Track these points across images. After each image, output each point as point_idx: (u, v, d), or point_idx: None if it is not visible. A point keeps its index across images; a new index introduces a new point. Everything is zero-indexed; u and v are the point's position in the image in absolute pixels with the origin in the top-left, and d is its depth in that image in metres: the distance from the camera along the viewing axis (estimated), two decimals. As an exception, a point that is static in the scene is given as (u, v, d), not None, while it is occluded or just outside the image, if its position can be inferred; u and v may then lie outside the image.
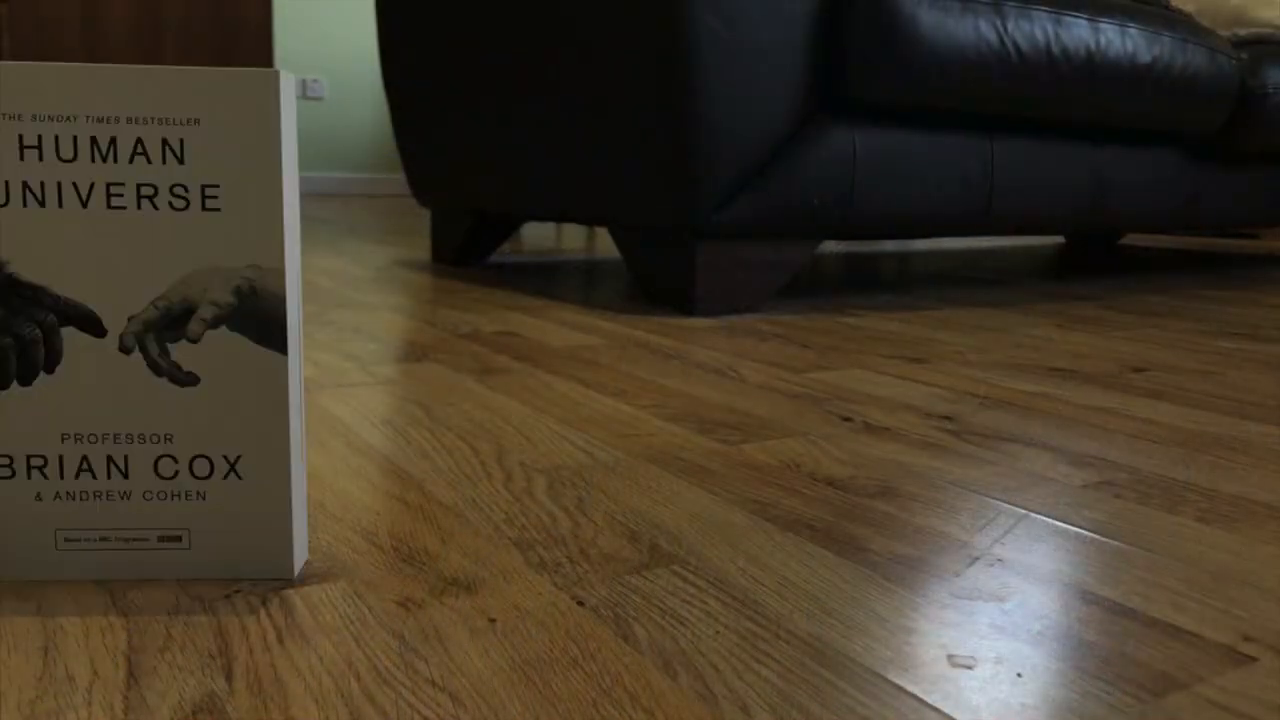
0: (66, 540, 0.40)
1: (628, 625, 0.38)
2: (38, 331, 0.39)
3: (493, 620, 0.39)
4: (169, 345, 0.40)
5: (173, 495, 0.40)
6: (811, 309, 1.32)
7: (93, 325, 0.39)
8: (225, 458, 0.40)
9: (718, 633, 0.38)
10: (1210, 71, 1.59)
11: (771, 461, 0.61)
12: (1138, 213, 1.65)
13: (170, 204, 0.39)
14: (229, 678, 0.34)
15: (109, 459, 0.40)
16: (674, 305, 1.26)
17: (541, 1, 1.34)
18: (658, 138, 1.18)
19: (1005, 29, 1.31)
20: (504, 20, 1.43)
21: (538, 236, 2.60)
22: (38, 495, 0.40)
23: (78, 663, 0.35)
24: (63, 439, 0.40)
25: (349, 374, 0.82)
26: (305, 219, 2.80)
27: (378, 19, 1.75)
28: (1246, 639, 0.39)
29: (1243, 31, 1.88)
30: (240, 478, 0.40)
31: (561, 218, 1.43)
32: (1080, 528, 0.51)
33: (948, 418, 0.73)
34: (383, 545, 0.46)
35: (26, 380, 0.39)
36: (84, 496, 0.40)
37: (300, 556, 0.42)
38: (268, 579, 0.42)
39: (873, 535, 0.49)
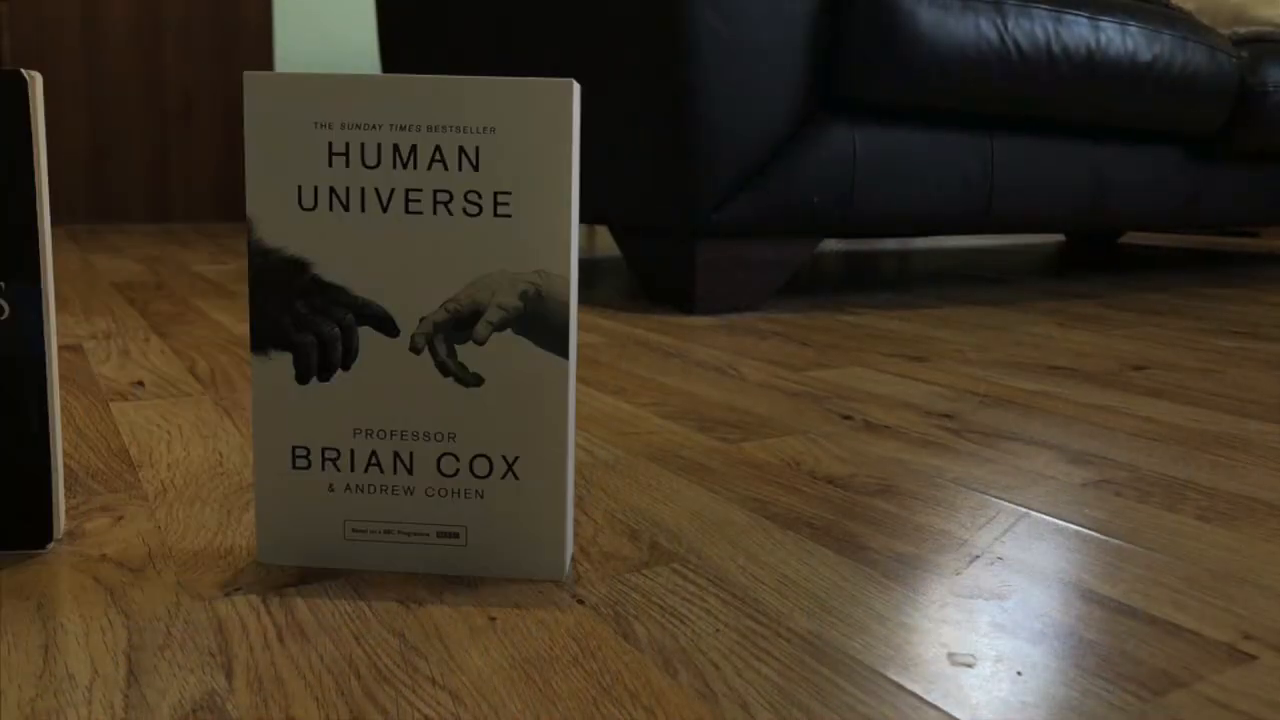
0: (354, 531, 0.42)
1: (628, 623, 0.38)
2: (337, 330, 0.41)
3: (493, 618, 0.39)
4: (456, 346, 0.41)
5: (453, 493, 0.41)
6: (812, 307, 1.32)
7: (387, 325, 0.40)
8: (504, 458, 0.41)
9: (718, 631, 0.38)
10: (1210, 70, 1.59)
11: (771, 459, 0.61)
12: (1138, 211, 1.65)
13: (464, 210, 0.40)
14: (229, 676, 0.34)
15: (395, 455, 0.41)
16: (674, 304, 1.26)
17: (541, 2, 1.34)
18: (658, 137, 1.18)
19: (1005, 27, 1.31)
20: (504, 20, 1.43)
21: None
22: (330, 486, 0.42)
23: (78, 661, 0.35)
24: (354, 433, 0.41)
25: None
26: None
27: (378, 18, 1.75)
28: (1247, 637, 0.39)
29: (1243, 30, 1.88)
30: (517, 478, 0.41)
31: (561, 217, 1.43)
32: (1080, 526, 0.51)
33: (948, 416, 0.73)
34: (383, 544, 0.46)
35: (325, 376, 0.41)
36: (371, 490, 0.41)
37: (568, 557, 0.43)
38: (534, 579, 0.42)
39: (873, 533, 0.49)
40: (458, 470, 0.41)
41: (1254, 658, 0.37)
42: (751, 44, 1.15)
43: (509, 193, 0.40)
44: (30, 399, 0.43)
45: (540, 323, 0.41)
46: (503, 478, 0.41)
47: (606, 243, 2.42)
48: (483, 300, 0.41)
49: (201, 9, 2.68)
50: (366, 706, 0.32)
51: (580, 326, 1.11)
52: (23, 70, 0.41)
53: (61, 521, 0.45)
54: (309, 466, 0.41)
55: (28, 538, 0.44)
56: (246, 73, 0.39)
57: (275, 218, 0.40)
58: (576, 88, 0.40)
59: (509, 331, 0.41)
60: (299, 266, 0.40)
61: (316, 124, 0.39)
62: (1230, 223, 1.87)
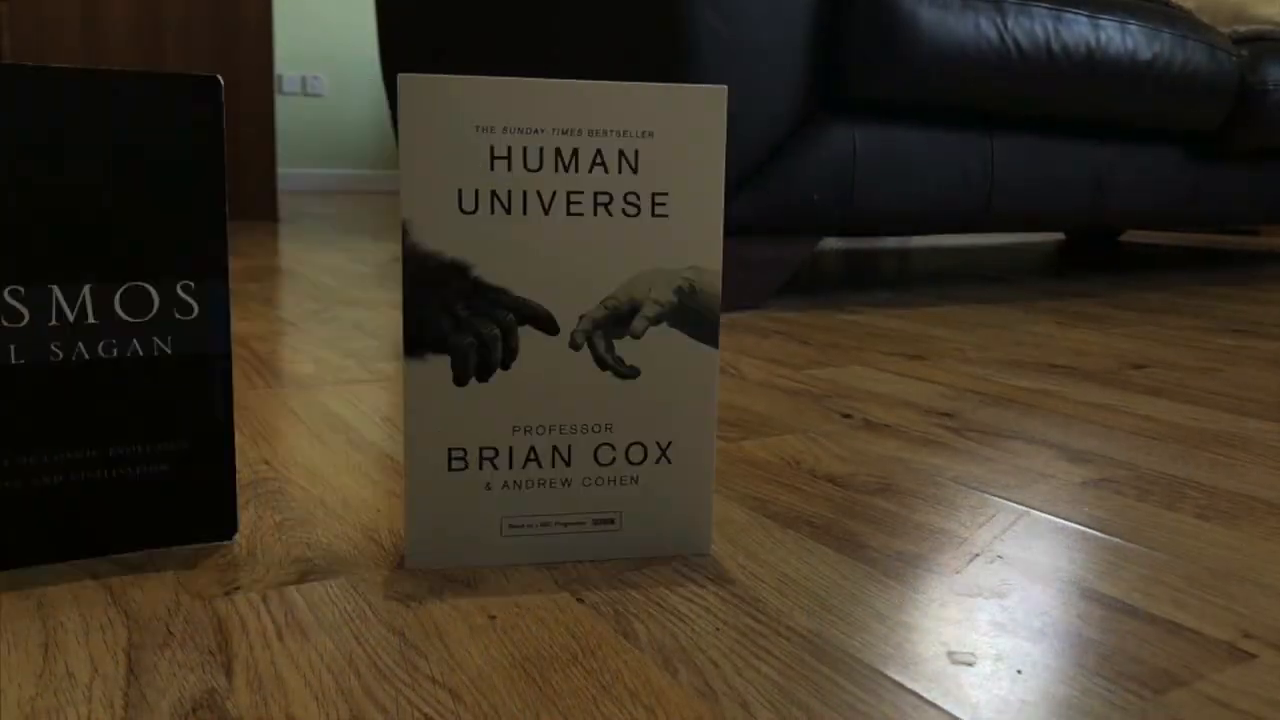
0: (511, 527, 0.42)
1: (628, 622, 0.38)
2: (497, 331, 0.41)
3: (493, 617, 0.39)
4: (614, 341, 0.42)
5: (609, 481, 0.42)
6: (812, 306, 1.32)
7: (548, 324, 0.42)
8: (658, 444, 0.42)
9: (718, 629, 0.38)
10: (1210, 68, 1.59)
11: (772, 458, 0.61)
12: (1137, 210, 1.65)
13: (623, 211, 0.41)
14: (229, 674, 0.34)
15: (554, 449, 0.42)
16: (674, 303, 1.26)
17: (542, 2, 1.34)
18: (657, 135, 1.18)
19: (1005, 26, 1.31)
20: (503, 18, 1.43)
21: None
22: (487, 485, 0.42)
23: (78, 660, 0.35)
24: (513, 431, 0.42)
25: (350, 370, 0.82)
26: (305, 215, 2.80)
27: (377, 16, 1.75)
28: (1247, 635, 0.39)
29: (1242, 28, 1.88)
30: (670, 462, 0.42)
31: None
32: (1080, 524, 0.51)
33: (948, 414, 0.73)
34: (383, 542, 0.46)
35: (484, 376, 0.41)
36: (529, 485, 0.42)
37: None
38: (681, 555, 0.44)
39: (873, 532, 0.49)
40: (614, 459, 0.42)
41: (1254, 656, 0.37)
42: (751, 44, 1.15)
43: (666, 193, 0.41)
44: (217, 396, 0.44)
45: (693, 316, 0.43)
46: (656, 462, 0.42)
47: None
48: (639, 296, 0.42)
49: (201, 9, 2.68)
50: (366, 705, 0.32)
51: (580, 325, 1.10)
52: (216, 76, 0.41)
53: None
54: (466, 467, 0.41)
55: (215, 530, 0.45)
56: (402, 75, 0.39)
57: (433, 221, 0.40)
58: (726, 92, 0.41)
59: (664, 325, 0.42)
60: (459, 269, 0.41)
61: (478, 128, 0.40)
62: (1230, 221, 1.87)
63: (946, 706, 0.33)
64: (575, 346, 0.42)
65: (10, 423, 0.41)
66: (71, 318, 0.41)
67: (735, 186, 1.19)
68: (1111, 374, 0.90)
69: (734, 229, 1.20)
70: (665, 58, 1.14)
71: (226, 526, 0.45)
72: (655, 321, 0.42)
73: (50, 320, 0.41)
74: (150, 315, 0.42)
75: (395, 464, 0.58)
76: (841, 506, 0.52)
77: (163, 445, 0.43)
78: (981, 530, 0.49)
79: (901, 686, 0.34)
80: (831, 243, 2.57)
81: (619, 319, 0.42)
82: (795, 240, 1.29)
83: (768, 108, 1.18)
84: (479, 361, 0.41)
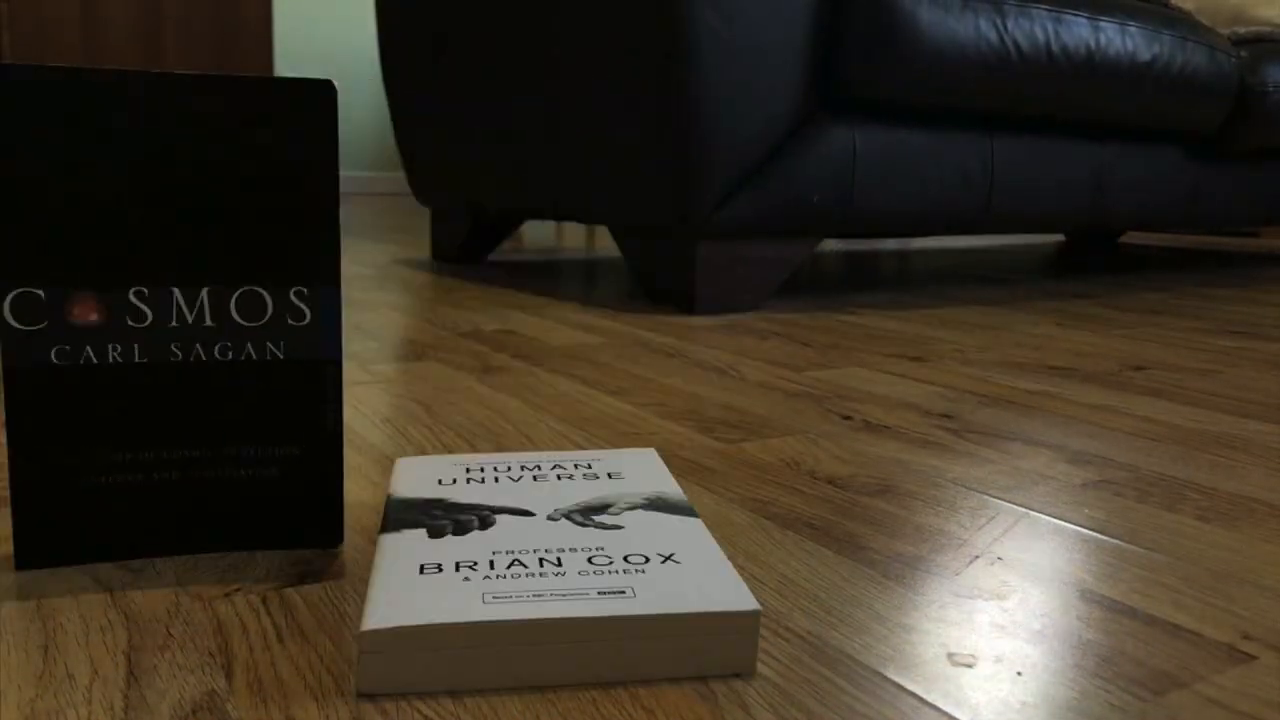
0: (494, 598, 0.37)
1: (628, 624, 0.38)
2: (474, 518, 0.43)
3: (493, 619, 0.39)
4: (592, 517, 0.43)
5: (610, 573, 0.38)
6: (812, 307, 1.32)
7: (523, 514, 0.43)
8: (659, 554, 0.40)
9: (718, 631, 0.38)
10: (1210, 70, 1.59)
11: (771, 460, 0.61)
12: (1137, 211, 1.65)
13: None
14: (229, 676, 0.34)
15: (541, 560, 0.39)
16: (674, 304, 1.26)
17: (542, 2, 1.34)
18: (658, 137, 1.18)
19: (1005, 27, 1.31)
20: (504, 19, 1.43)
21: (538, 235, 2.60)
22: (465, 578, 0.37)
23: (78, 661, 0.35)
24: (493, 553, 0.39)
25: (349, 372, 0.82)
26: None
27: (377, 18, 1.75)
28: (1246, 637, 0.39)
29: (1242, 30, 1.88)
30: (678, 563, 0.39)
31: (561, 216, 1.43)
32: (1080, 526, 0.51)
33: (948, 416, 0.73)
34: (383, 544, 0.46)
35: (460, 534, 0.42)
36: (516, 579, 0.38)
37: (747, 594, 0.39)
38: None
39: (873, 533, 0.49)
40: (611, 563, 0.39)
41: (1253, 658, 0.37)
42: (751, 44, 1.15)
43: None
44: (329, 401, 0.44)
45: (665, 507, 0.44)
46: (662, 564, 0.39)
47: (606, 242, 2.42)
48: (611, 500, 0.45)
49: (201, 9, 2.68)
50: (366, 707, 0.32)
51: (580, 326, 1.11)
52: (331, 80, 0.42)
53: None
54: (440, 571, 0.37)
55: (321, 537, 0.45)
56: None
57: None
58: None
59: (639, 511, 0.43)
60: (434, 501, 0.44)
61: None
62: (1230, 222, 1.87)
63: (946, 708, 0.33)
64: (552, 520, 0.42)
65: (132, 418, 0.41)
66: (190, 319, 0.41)
67: (735, 187, 1.19)
68: (1111, 375, 0.90)
69: (734, 229, 1.21)
70: (665, 58, 1.14)
71: (332, 535, 0.45)
72: (630, 509, 0.44)
73: (170, 321, 0.41)
74: (264, 320, 0.42)
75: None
76: (841, 508, 0.52)
77: (274, 449, 0.43)
78: (981, 532, 0.49)
79: (901, 688, 0.34)
80: (831, 243, 2.57)
81: (592, 510, 0.44)
82: (795, 240, 1.29)
83: (768, 108, 1.18)
84: (455, 528, 0.41)
